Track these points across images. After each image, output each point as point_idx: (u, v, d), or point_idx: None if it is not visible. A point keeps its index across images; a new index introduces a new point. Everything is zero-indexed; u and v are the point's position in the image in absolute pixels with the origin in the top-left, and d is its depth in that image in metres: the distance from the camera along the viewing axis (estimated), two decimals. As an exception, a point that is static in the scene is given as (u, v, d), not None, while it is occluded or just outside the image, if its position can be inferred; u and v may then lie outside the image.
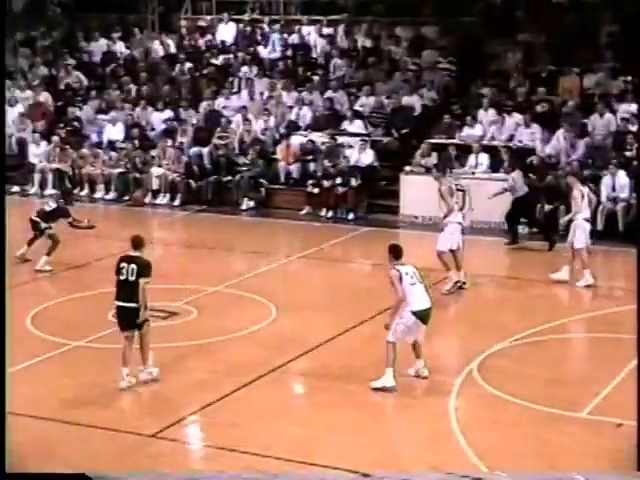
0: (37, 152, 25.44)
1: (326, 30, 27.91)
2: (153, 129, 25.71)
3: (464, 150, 22.47)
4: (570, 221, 17.30)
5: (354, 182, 22.61)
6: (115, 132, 25.62)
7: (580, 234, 17.02)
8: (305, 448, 10.90)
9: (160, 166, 24.22)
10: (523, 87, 23.92)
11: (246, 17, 29.37)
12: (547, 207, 20.84)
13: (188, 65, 27.74)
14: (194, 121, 25.45)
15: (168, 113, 25.71)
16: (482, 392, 12.48)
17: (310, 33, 27.95)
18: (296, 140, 24.16)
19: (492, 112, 23.18)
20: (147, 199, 24.17)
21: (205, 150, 24.49)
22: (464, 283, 16.85)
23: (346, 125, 24.19)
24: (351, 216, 22.42)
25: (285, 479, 10.24)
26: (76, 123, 26.38)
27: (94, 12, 30.85)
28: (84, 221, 18.56)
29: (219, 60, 28.00)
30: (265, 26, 28.77)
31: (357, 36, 27.49)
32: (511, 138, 22.69)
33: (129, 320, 12.35)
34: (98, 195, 24.70)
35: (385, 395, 12.25)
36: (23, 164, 25.57)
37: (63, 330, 14.51)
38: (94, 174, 24.84)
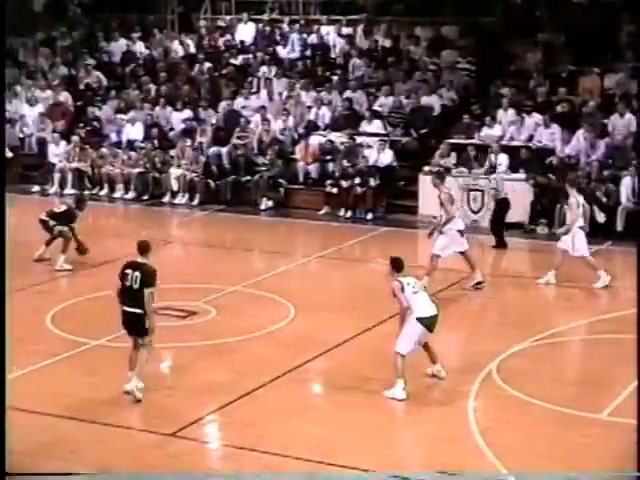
0: (57, 152, 25.53)
1: (345, 30, 27.88)
2: (172, 129, 25.76)
3: (483, 150, 22.42)
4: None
5: (373, 182, 22.60)
6: (134, 132, 25.68)
7: (580, 243, 16.99)
8: (323, 448, 10.90)
9: (179, 166, 24.27)
10: (543, 87, 23.84)
11: (265, 17, 29.39)
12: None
13: (207, 65, 27.78)
14: (213, 121, 25.50)
15: (187, 113, 25.76)
16: (501, 393, 12.44)
17: (329, 33, 27.94)
18: (315, 140, 24.16)
19: (511, 112, 23.12)
20: (166, 199, 24.23)
21: (224, 150, 24.53)
22: (481, 282, 16.79)
23: (365, 125, 24.18)
24: (370, 216, 22.40)
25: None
26: (96, 123, 26.47)
27: (114, 12, 30.97)
28: (83, 245, 18.40)
29: (238, 60, 28.02)
30: (284, 26, 28.77)
31: (376, 36, 27.46)
32: (530, 138, 22.63)
33: (133, 325, 12.15)
34: (117, 195, 24.77)
35: (403, 395, 12.26)
36: (43, 164, 25.67)
37: (82, 329, 14.55)
38: (113, 174, 24.91)
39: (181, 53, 28.91)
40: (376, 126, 24.06)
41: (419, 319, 12.12)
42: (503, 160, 21.93)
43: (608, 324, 15.25)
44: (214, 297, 16.25)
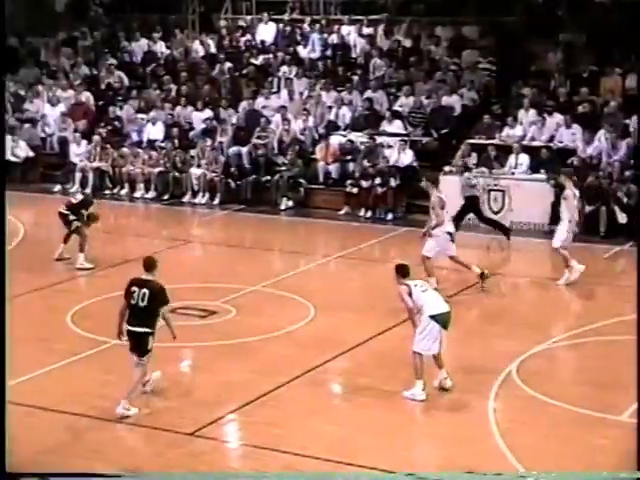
0: (78, 151, 25.61)
1: (366, 30, 27.85)
2: (192, 129, 25.81)
3: (504, 150, 22.37)
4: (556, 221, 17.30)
5: (393, 182, 22.57)
6: (155, 131, 25.74)
7: (561, 234, 17.05)
8: (343, 448, 10.90)
9: (199, 166, 24.32)
10: (564, 87, 23.76)
11: (286, 17, 29.39)
12: (588, 208, 20.68)
13: (228, 65, 27.80)
14: (234, 121, 25.53)
15: (208, 113, 25.80)
16: (521, 394, 12.42)
17: (350, 33, 27.91)
18: (335, 140, 24.15)
19: (533, 112, 23.05)
20: (186, 198, 24.28)
21: (244, 150, 24.56)
22: (483, 273, 16.80)
23: (385, 125, 24.15)
24: (390, 216, 22.37)
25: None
26: (117, 122, 26.54)
27: (135, 12, 31.06)
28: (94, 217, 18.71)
29: (259, 60, 28.04)
30: (305, 26, 28.77)
31: (397, 36, 27.43)
32: (551, 139, 22.56)
33: (136, 344, 11.75)
34: (138, 194, 24.82)
35: (423, 396, 12.25)
36: (64, 163, 25.77)
37: (102, 328, 14.55)
38: (134, 173, 24.98)
39: (202, 53, 28.96)
40: (396, 126, 24.03)
41: (432, 317, 12.10)
42: (524, 160, 21.88)
43: (628, 325, 15.16)
44: (234, 297, 16.27)
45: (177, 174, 24.57)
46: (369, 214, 22.61)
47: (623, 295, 16.63)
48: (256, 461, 10.73)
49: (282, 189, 23.58)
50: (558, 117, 22.68)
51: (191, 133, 25.65)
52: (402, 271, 12.48)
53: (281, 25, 29.04)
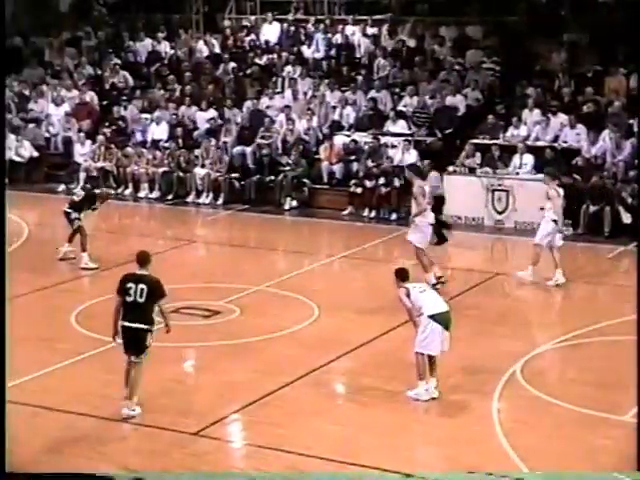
0: (82, 151, 25.62)
1: (370, 30, 27.85)
2: (197, 128, 25.82)
3: (509, 151, 22.35)
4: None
5: (397, 182, 22.54)
6: (159, 131, 25.75)
7: (541, 232, 17.11)
8: (346, 448, 10.90)
9: (203, 166, 24.33)
10: (568, 87, 23.75)
11: (290, 17, 29.39)
12: (592, 208, 20.67)
13: (232, 65, 27.81)
14: (238, 120, 25.54)
15: (212, 113, 25.81)
16: (525, 394, 12.42)
17: (354, 33, 27.91)
18: (339, 140, 24.14)
19: (537, 112, 23.04)
20: (190, 198, 24.29)
21: (248, 150, 24.56)
22: (442, 277, 16.75)
23: (389, 125, 24.14)
24: (394, 216, 22.34)
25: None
26: (121, 122, 26.55)
27: (139, 12, 31.07)
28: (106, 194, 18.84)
29: (263, 60, 28.05)
30: (309, 26, 28.77)
31: (401, 36, 27.42)
32: (556, 139, 22.54)
33: (134, 341, 11.51)
34: (142, 194, 24.82)
35: (427, 396, 12.25)
36: (69, 163, 25.78)
37: (106, 328, 14.47)
38: (138, 173, 24.99)
39: (206, 53, 28.96)
40: (400, 126, 24.02)
41: (431, 316, 12.11)
42: (528, 160, 21.87)
43: (631, 326, 15.14)
44: (237, 297, 16.28)
45: (181, 174, 24.57)
46: (373, 214, 22.61)
47: (627, 295, 16.59)
48: (260, 461, 10.74)
49: (286, 189, 23.58)
50: (562, 117, 22.66)
51: (195, 133, 25.66)
52: (401, 275, 12.56)
53: (285, 25, 29.03)
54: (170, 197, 24.53)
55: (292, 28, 28.87)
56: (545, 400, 12.15)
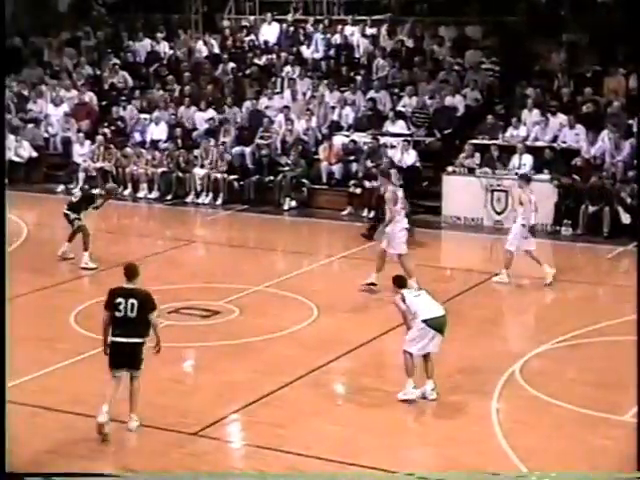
0: (81, 151, 25.61)
1: (369, 30, 27.85)
2: (196, 129, 25.82)
3: (508, 151, 22.36)
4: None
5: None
6: (158, 132, 25.75)
7: (512, 237, 17.14)
8: (346, 448, 10.90)
9: (202, 166, 24.33)
10: (567, 87, 23.75)
11: (289, 17, 29.38)
12: (591, 208, 20.68)
13: (231, 65, 27.81)
14: (238, 119, 25.54)
15: (211, 113, 25.81)
16: (524, 394, 12.42)
17: (353, 33, 27.90)
18: (338, 140, 24.14)
19: (536, 113, 23.04)
20: (190, 198, 24.29)
21: (247, 150, 24.57)
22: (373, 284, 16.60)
23: (388, 125, 24.13)
24: (393, 217, 22.32)
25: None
26: (120, 122, 26.56)
27: (138, 12, 31.06)
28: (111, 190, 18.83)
29: (262, 60, 28.05)
30: (308, 26, 28.76)
31: (400, 36, 27.42)
32: (555, 139, 22.55)
33: (128, 357, 11.21)
34: (141, 194, 24.82)
35: (426, 396, 12.24)
36: (68, 163, 25.77)
37: (106, 328, 14.59)
38: (137, 173, 24.98)
39: (205, 53, 28.96)
40: (400, 126, 24.02)
41: (424, 321, 12.11)
42: (527, 161, 21.87)
43: (631, 326, 15.14)
44: (237, 297, 16.28)
45: (180, 174, 24.57)
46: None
47: (626, 295, 16.59)
48: (259, 461, 10.73)
49: (285, 189, 23.58)
50: (561, 117, 22.67)
51: (194, 133, 25.66)
52: (398, 282, 12.63)
53: (284, 25, 29.03)
54: (169, 197, 24.53)
55: (291, 28, 28.87)
56: (544, 400, 12.15)
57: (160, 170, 24.80)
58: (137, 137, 25.99)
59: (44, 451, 10.82)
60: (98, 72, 28.80)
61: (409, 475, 10.22)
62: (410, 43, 27.15)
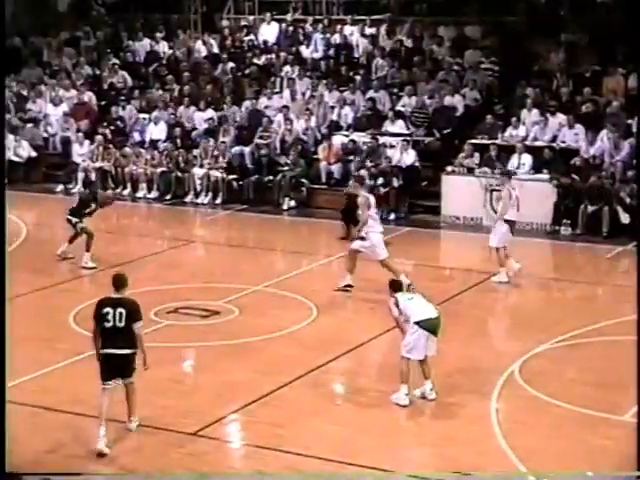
0: (81, 151, 25.62)
1: (368, 30, 27.85)
2: (195, 128, 25.82)
3: (507, 151, 22.36)
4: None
5: (396, 182, 22.56)
6: (157, 131, 25.75)
7: (497, 235, 17.22)
8: (345, 448, 10.91)
9: (202, 166, 24.33)
10: (567, 87, 23.76)
11: (288, 17, 29.38)
12: (590, 208, 20.68)
13: (230, 65, 27.81)
14: (237, 119, 25.55)
15: (210, 112, 25.81)
16: (523, 394, 12.42)
17: (353, 33, 27.90)
18: (338, 140, 24.15)
19: (535, 112, 23.05)
20: (189, 198, 24.30)
21: (247, 149, 24.57)
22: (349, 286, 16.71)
23: (388, 125, 24.14)
24: (392, 216, 22.34)
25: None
26: (119, 122, 26.56)
27: (138, 12, 31.05)
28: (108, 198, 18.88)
29: (261, 60, 28.05)
30: (308, 26, 28.76)
31: (399, 36, 27.42)
32: (554, 139, 22.55)
33: (121, 368, 11.08)
34: (140, 194, 24.82)
35: (425, 396, 12.25)
36: (67, 163, 25.78)
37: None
38: (136, 173, 24.98)
39: (204, 53, 28.95)
40: (399, 126, 24.03)
41: (416, 323, 12.11)
42: (527, 160, 21.88)
43: (630, 326, 15.15)
44: (236, 297, 16.28)
45: (179, 174, 24.58)
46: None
47: (625, 295, 16.60)
48: (258, 461, 10.74)
49: (284, 189, 23.58)
50: (561, 117, 22.68)
51: (194, 133, 25.67)
52: (394, 286, 12.67)
53: (284, 25, 29.02)
54: (168, 197, 24.54)
55: (290, 28, 28.86)
56: (544, 400, 12.15)
57: (159, 170, 24.80)
58: (136, 137, 25.99)
59: (44, 451, 10.82)
60: (97, 72, 28.80)
61: (408, 475, 10.23)
62: (409, 43, 27.15)
